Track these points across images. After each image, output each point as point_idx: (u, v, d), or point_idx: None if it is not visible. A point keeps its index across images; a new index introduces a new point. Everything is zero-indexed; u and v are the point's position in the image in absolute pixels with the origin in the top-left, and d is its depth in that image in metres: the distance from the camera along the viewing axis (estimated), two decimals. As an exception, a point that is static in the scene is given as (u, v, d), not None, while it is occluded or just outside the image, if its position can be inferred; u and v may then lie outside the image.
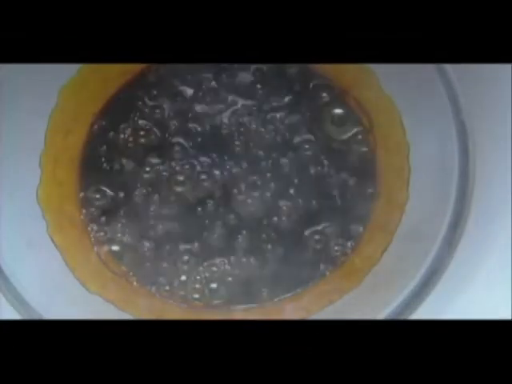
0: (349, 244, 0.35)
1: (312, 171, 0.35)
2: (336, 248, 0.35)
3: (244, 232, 0.35)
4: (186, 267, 0.35)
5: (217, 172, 0.35)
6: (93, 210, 0.35)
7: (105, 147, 0.35)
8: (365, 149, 0.35)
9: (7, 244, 0.31)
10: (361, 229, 0.35)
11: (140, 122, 0.36)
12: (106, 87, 0.36)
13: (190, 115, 0.36)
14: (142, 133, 0.35)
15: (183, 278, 0.35)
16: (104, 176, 0.35)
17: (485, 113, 0.34)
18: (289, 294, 0.35)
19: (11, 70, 0.31)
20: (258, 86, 0.36)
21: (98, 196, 0.35)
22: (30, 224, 0.33)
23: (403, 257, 0.33)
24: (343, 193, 0.35)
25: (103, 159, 0.35)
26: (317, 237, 0.35)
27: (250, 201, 0.35)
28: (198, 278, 0.35)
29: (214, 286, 0.35)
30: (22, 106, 0.32)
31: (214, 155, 0.35)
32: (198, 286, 0.35)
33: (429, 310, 0.31)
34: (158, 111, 0.36)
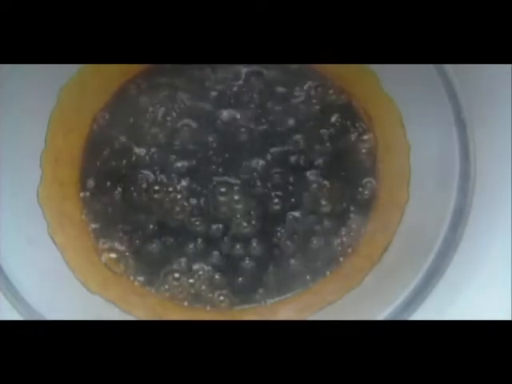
0: (349, 244, 0.35)
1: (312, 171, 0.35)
2: (336, 248, 0.35)
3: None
4: (186, 267, 0.35)
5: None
6: (93, 208, 0.35)
7: (105, 147, 0.35)
8: (365, 149, 0.35)
9: (8, 244, 0.31)
10: (361, 228, 0.35)
11: (141, 121, 0.36)
12: (106, 87, 0.36)
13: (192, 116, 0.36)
14: (142, 132, 0.36)
15: (184, 278, 0.35)
16: (104, 176, 0.35)
17: (485, 113, 0.34)
18: (289, 294, 0.35)
19: (11, 69, 0.31)
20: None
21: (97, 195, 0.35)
22: (30, 224, 0.33)
23: (403, 257, 0.33)
24: (343, 193, 0.35)
25: (103, 159, 0.35)
26: (317, 237, 0.35)
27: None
28: (197, 278, 0.35)
29: (213, 286, 0.35)
30: (22, 105, 0.32)
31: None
32: (197, 286, 0.35)
33: (429, 310, 0.31)
34: (158, 111, 0.36)
